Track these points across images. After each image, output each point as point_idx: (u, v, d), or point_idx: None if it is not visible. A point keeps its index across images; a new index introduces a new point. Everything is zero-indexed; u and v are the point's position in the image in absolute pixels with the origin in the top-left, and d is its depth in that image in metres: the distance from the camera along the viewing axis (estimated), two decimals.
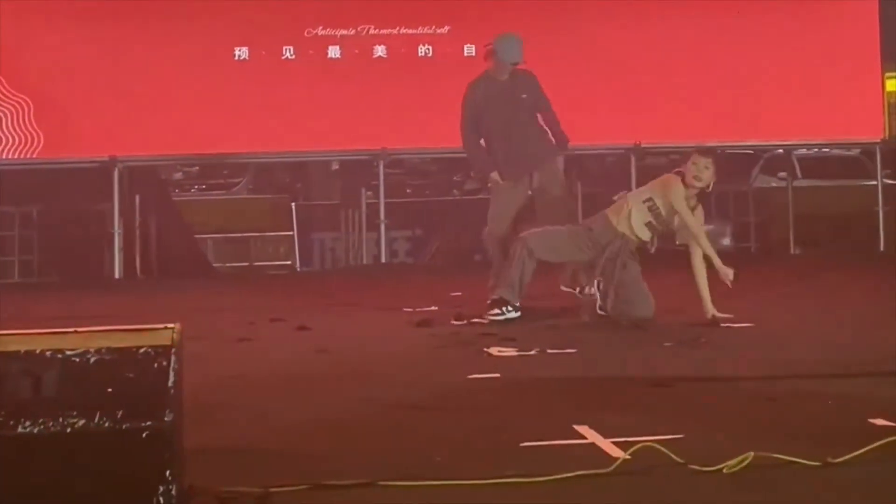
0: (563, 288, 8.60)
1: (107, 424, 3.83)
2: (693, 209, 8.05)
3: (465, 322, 8.11)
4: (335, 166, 15.46)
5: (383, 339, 7.61)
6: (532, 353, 6.81)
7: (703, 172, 8.00)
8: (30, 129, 12.26)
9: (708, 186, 8.08)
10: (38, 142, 12.27)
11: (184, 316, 7.28)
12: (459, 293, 9.78)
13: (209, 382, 5.78)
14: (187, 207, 14.41)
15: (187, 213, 13.92)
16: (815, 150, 16.54)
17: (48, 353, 3.91)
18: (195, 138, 12.66)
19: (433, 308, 8.92)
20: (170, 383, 3.91)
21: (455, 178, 18.51)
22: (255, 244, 14.17)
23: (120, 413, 3.84)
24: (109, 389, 3.88)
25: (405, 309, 8.91)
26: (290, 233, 14.18)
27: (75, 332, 4.09)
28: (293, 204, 14.74)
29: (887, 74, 14.54)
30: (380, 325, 8.27)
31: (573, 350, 6.87)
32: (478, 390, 5.76)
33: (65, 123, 12.31)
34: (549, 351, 6.83)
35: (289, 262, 13.99)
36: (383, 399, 5.52)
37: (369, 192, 13.86)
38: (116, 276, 12.51)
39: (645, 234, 8.11)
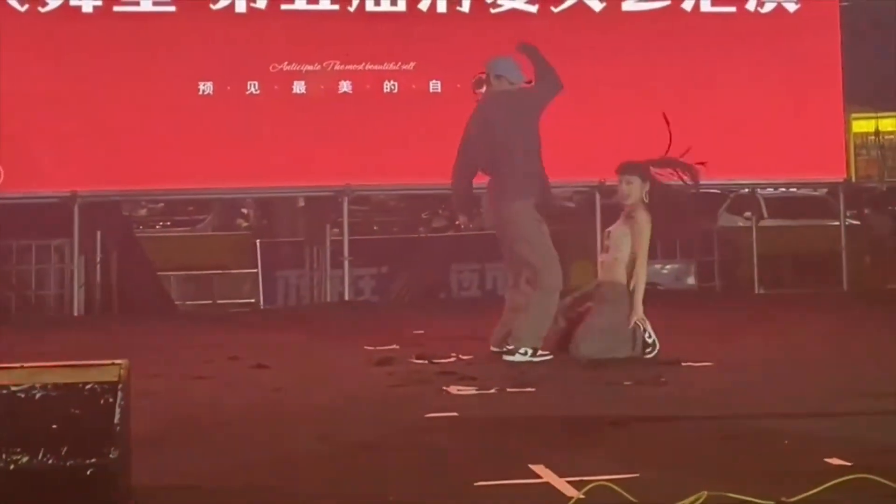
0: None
1: (51, 461, 3.79)
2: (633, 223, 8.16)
3: (425, 361, 8.06)
4: (301, 203, 15.42)
5: (342, 378, 7.55)
6: (491, 391, 6.77)
7: (627, 188, 8.17)
8: None
9: (644, 198, 8.22)
10: None
11: (141, 353, 7.27)
12: (422, 331, 9.73)
13: (162, 420, 5.72)
14: (151, 244, 14.33)
15: (151, 250, 13.82)
16: (782, 189, 16.64)
17: None
18: (159, 173, 12.58)
19: (394, 346, 8.87)
20: (116, 420, 3.87)
21: (423, 216, 18.54)
22: (219, 282, 14.10)
23: (64, 450, 3.80)
24: (54, 426, 3.84)
25: (366, 347, 8.86)
26: (255, 270, 14.11)
27: (21, 367, 4.04)
28: (258, 241, 14.68)
29: (853, 115, 14.64)
30: (339, 364, 8.21)
31: (532, 389, 6.83)
32: (435, 429, 5.71)
33: (26, 158, 12.21)
34: (508, 389, 6.80)
35: (252, 300, 13.91)
36: (338, 438, 5.46)
37: (335, 229, 13.83)
38: (75, 312, 12.40)
39: None
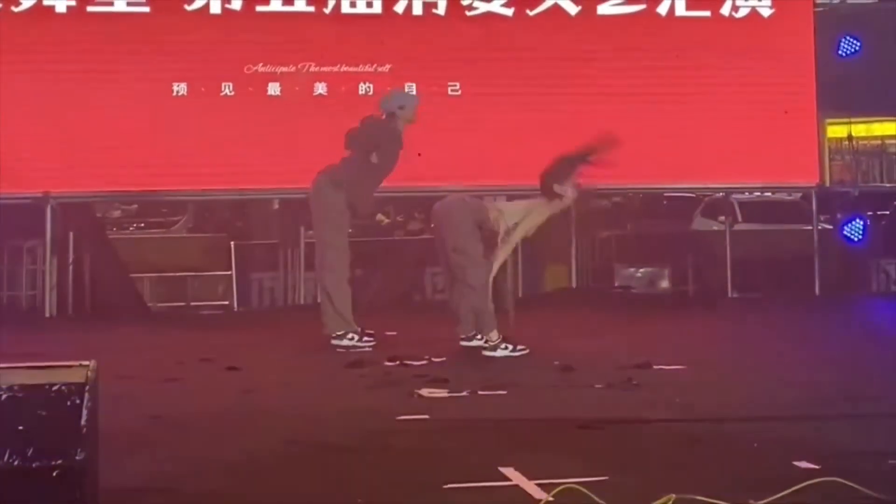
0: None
1: (16, 462, 3.76)
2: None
3: (397, 363, 8.05)
4: (276, 205, 15.37)
5: (313, 380, 7.54)
6: (463, 394, 6.77)
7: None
8: None
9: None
10: None
11: (113, 355, 7.23)
12: (395, 333, 9.73)
13: (131, 422, 5.70)
14: (124, 245, 14.25)
15: (124, 252, 13.74)
16: (757, 193, 16.70)
17: None
18: (132, 175, 12.54)
19: (366, 348, 8.87)
20: (83, 421, 3.84)
21: (398, 218, 18.52)
22: (193, 284, 14.03)
23: (30, 451, 3.77)
24: (20, 427, 3.81)
25: (338, 349, 8.85)
26: (229, 272, 14.06)
27: None
28: (232, 243, 14.62)
29: (827, 120, 14.70)
30: (311, 366, 8.20)
31: (504, 392, 6.83)
32: (405, 431, 5.70)
33: None
34: (479, 392, 6.80)
35: (226, 302, 13.85)
36: (308, 440, 5.45)
37: (309, 232, 13.76)
38: (47, 314, 12.34)
39: None
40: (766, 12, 13.66)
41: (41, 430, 3.80)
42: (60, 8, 12.46)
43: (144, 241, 15.43)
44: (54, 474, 3.75)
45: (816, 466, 4.64)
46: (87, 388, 3.89)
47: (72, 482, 3.75)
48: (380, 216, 15.11)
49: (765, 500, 4.11)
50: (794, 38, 13.62)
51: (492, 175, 13.12)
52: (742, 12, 13.63)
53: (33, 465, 3.75)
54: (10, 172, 12.15)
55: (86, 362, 3.99)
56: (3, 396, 3.84)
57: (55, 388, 3.87)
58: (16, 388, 3.86)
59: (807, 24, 13.71)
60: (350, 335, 9.07)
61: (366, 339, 9.08)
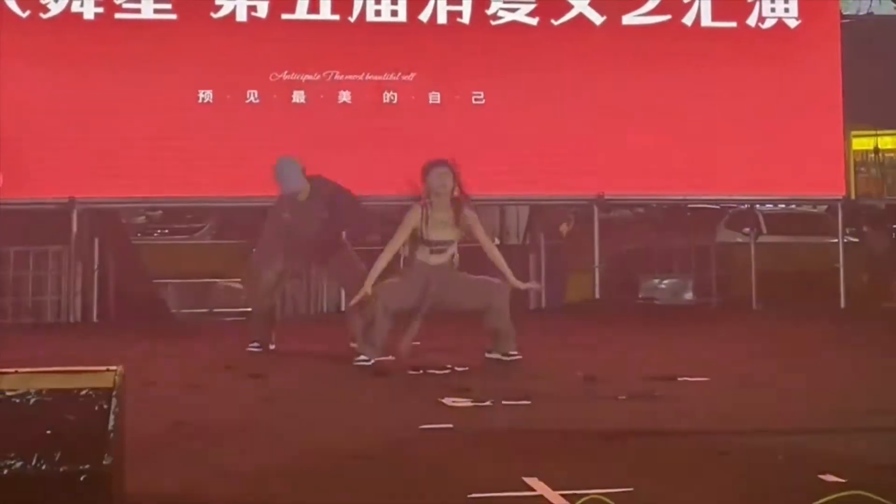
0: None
1: (44, 467, 3.77)
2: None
3: (421, 371, 8.05)
4: None
5: (337, 388, 7.55)
6: (486, 403, 6.76)
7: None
8: None
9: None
10: None
11: (137, 361, 7.26)
12: (418, 343, 9.70)
13: (156, 428, 5.71)
14: (149, 252, 14.28)
15: (149, 258, 13.78)
16: (781, 206, 16.63)
17: None
18: (158, 181, 12.59)
19: (390, 357, 8.85)
20: (110, 426, 3.85)
21: None
22: (216, 290, 14.05)
23: (58, 455, 3.78)
24: (48, 431, 3.82)
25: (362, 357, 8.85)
26: None
27: (16, 372, 4.02)
28: (255, 250, 14.60)
29: (853, 132, 14.65)
30: (335, 374, 8.20)
31: (528, 402, 6.82)
32: (429, 440, 5.69)
33: (24, 164, 12.21)
34: (503, 402, 6.78)
35: (249, 310, 13.84)
36: (332, 448, 5.45)
37: None
38: (72, 319, 12.38)
39: None
40: (792, 23, 13.63)
41: (69, 435, 3.81)
42: (88, 15, 12.54)
43: (168, 247, 15.43)
44: (81, 479, 3.76)
45: (842, 480, 4.61)
46: (115, 393, 3.90)
47: (99, 487, 3.76)
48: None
49: None
50: (821, 50, 13.58)
51: (515, 185, 13.13)
52: (768, 23, 13.60)
53: (61, 469, 3.76)
54: (37, 178, 12.22)
55: (113, 367, 4.01)
56: (32, 400, 3.86)
57: (83, 392, 3.88)
58: (44, 392, 3.88)
59: (834, 35, 13.67)
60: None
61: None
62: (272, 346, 9.48)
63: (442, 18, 13.12)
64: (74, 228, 12.45)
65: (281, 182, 9.52)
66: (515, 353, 8.41)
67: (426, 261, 8.52)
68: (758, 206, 15.33)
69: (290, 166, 9.49)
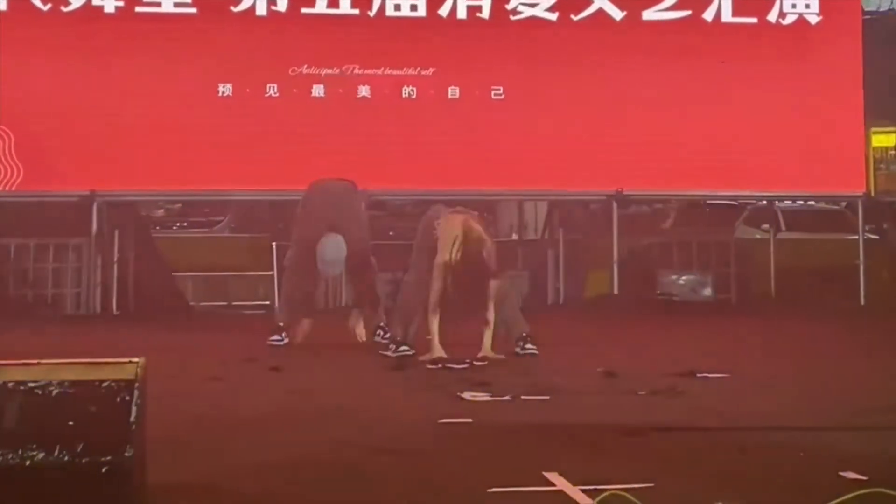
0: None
1: (66, 458, 3.78)
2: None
3: (440, 366, 8.06)
4: None
5: (356, 382, 7.55)
6: (506, 398, 6.75)
7: None
8: (9, 161, 12.22)
9: None
10: (18, 174, 12.23)
11: (156, 353, 7.23)
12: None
13: (176, 420, 5.72)
14: (168, 245, 14.32)
15: (167, 251, 13.82)
16: (800, 202, 16.59)
17: (10, 385, 3.87)
18: (177, 174, 12.63)
19: (410, 352, 8.86)
20: (132, 418, 3.87)
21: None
22: (234, 283, 14.08)
23: (80, 447, 3.79)
24: (70, 423, 3.83)
25: (381, 352, 8.86)
26: (271, 272, 14.08)
27: (38, 363, 4.03)
28: (273, 243, 14.63)
29: (873, 129, 14.58)
30: (354, 368, 8.21)
31: (547, 396, 6.81)
32: (449, 435, 5.69)
33: (45, 157, 12.26)
34: (522, 397, 6.78)
35: (267, 303, 13.87)
36: (351, 442, 5.45)
37: None
38: (92, 311, 12.42)
39: None
40: (813, 19, 13.58)
41: (91, 426, 3.82)
42: (109, 8, 12.57)
43: (187, 240, 15.47)
44: (103, 470, 3.77)
45: (864, 477, 4.60)
46: (137, 384, 3.91)
47: (121, 478, 3.77)
48: None
49: None
50: (842, 46, 13.53)
51: (533, 180, 13.13)
52: (789, 19, 13.56)
53: (83, 460, 3.77)
54: (57, 171, 12.27)
55: (135, 359, 4.01)
56: (54, 392, 3.87)
57: (105, 384, 3.90)
58: (66, 384, 3.89)
59: (855, 32, 13.62)
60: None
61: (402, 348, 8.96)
62: (288, 339, 9.43)
63: (462, 13, 13.11)
64: (94, 221, 12.49)
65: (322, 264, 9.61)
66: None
67: None
68: (777, 202, 15.29)
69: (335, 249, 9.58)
